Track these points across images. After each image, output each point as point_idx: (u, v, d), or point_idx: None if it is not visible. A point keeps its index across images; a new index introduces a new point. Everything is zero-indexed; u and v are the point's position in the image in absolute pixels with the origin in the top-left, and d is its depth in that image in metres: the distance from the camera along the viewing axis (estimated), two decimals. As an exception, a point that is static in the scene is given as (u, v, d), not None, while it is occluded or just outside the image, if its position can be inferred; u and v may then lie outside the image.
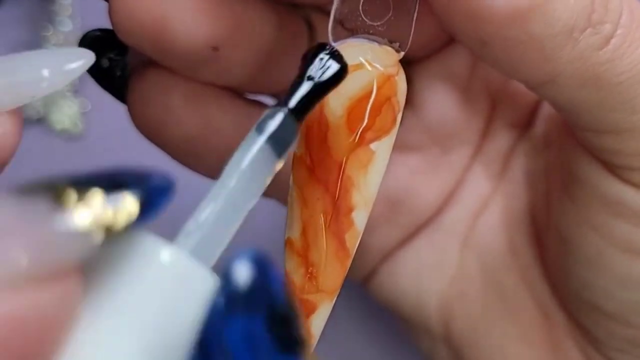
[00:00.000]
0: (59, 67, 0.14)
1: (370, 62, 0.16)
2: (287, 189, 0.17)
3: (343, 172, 0.16)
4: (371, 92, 0.16)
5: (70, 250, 0.10)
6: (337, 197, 0.16)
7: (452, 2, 0.16)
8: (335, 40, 0.17)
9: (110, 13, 0.17)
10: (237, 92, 0.20)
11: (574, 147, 0.19)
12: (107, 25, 0.18)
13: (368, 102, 0.16)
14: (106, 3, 0.17)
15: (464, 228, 0.24)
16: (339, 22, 0.17)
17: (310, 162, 0.16)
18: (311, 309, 0.17)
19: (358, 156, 0.16)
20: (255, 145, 0.13)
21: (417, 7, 0.17)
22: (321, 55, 0.15)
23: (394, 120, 0.17)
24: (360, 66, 0.16)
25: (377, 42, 0.17)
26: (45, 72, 0.13)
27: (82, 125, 0.35)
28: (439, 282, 0.24)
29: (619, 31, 0.16)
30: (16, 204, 0.10)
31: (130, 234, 0.11)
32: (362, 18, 0.17)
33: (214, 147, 0.19)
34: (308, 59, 0.15)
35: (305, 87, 0.14)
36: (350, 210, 0.16)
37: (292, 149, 0.14)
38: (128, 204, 0.10)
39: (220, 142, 0.19)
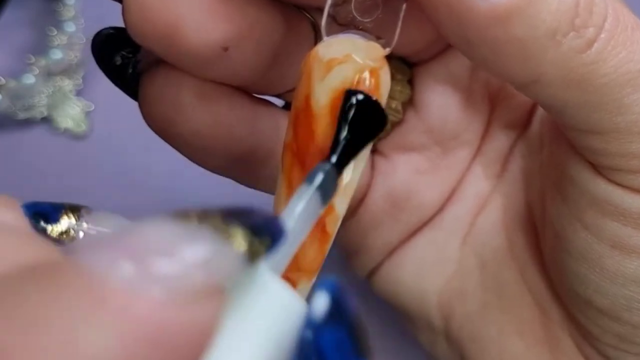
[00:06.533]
0: None
1: (355, 55, 0.17)
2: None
3: None
4: (354, 84, 0.17)
5: (226, 272, 0.11)
6: None
7: (437, 2, 0.17)
8: (328, 35, 0.17)
9: (124, 14, 0.17)
10: (244, 91, 0.20)
11: (564, 147, 0.20)
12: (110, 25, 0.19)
13: None
14: (113, 3, 0.18)
15: (464, 226, 0.24)
16: (332, 17, 0.17)
17: (296, 148, 0.17)
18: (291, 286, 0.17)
19: None
20: (306, 195, 0.15)
21: (404, 6, 0.17)
22: (356, 103, 0.16)
23: None
24: (345, 59, 0.17)
25: (365, 37, 0.17)
26: None
27: (86, 125, 0.35)
28: (440, 279, 0.25)
29: (602, 35, 0.17)
30: (183, 228, 0.11)
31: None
32: (353, 14, 0.18)
33: (222, 144, 0.20)
34: (344, 109, 0.16)
35: (345, 142, 0.16)
36: None
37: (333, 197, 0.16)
38: (265, 241, 0.12)
39: (229, 138, 0.20)
